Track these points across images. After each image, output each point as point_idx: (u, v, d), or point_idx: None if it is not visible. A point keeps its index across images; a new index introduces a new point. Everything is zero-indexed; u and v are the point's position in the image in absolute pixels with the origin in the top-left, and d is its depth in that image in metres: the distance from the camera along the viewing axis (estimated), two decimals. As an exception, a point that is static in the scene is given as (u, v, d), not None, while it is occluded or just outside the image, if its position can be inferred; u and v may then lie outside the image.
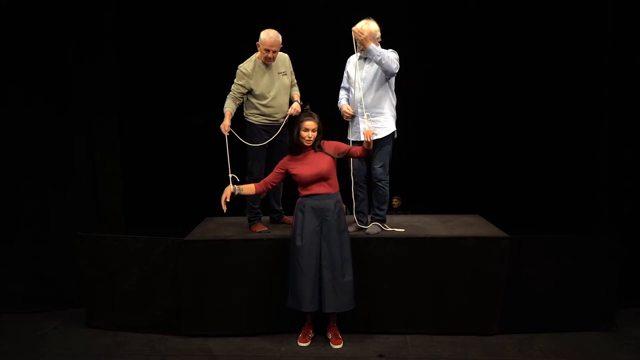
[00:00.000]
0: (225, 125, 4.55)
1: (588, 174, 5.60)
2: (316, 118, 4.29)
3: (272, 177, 4.41)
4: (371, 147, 4.30)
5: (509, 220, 5.33)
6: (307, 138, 4.26)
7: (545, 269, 4.52)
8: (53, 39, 5.13)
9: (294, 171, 4.31)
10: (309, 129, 4.25)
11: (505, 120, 6.72)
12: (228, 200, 4.29)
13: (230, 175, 4.48)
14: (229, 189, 4.33)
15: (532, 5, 6.24)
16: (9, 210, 5.24)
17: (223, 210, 4.27)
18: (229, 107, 4.63)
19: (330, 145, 4.37)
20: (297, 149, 4.32)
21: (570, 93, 6.01)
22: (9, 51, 5.11)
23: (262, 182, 4.45)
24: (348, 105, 4.67)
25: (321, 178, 4.27)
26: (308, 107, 4.37)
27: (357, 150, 4.37)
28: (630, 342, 4.45)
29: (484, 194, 6.76)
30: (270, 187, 4.46)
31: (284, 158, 4.41)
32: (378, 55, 4.41)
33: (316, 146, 4.31)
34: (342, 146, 4.40)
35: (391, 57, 4.47)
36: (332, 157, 4.30)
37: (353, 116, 4.65)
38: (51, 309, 5.18)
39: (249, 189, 4.41)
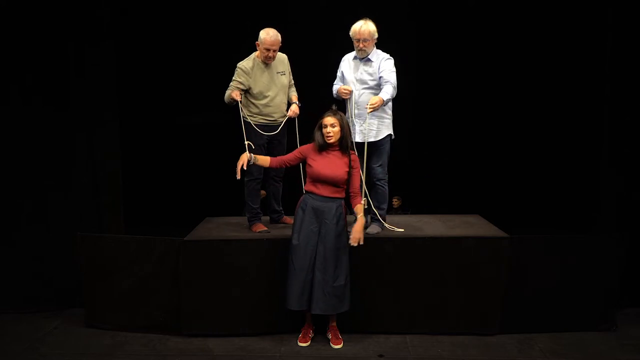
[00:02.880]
0: (237, 93, 4.55)
1: (588, 174, 5.60)
2: (337, 115, 4.23)
3: (290, 157, 4.39)
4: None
5: (509, 220, 5.34)
6: (326, 134, 4.19)
7: (545, 269, 4.52)
8: (53, 39, 5.12)
9: (310, 162, 4.27)
10: (327, 124, 4.19)
11: (505, 121, 6.73)
12: (245, 168, 4.26)
13: (246, 142, 4.47)
14: (245, 156, 4.29)
15: (531, 5, 6.25)
16: (9, 210, 5.23)
17: (237, 177, 4.22)
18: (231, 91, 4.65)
19: (355, 161, 4.28)
20: (322, 147, 4.26)
21: (570, 93, 6.02)
22: (9, 51, 5.11)
23: (279, 158, 4.43)
24: (344, 85, 4.62)
25: (333, 182, 4.24)
26: (335, 107, 4.30)
27: (352, 194, 4.29)
28: (630, 342, 4.46)
29: (484, 194, 6.77)
30: (286, 165, 4.43)
31: (308, 145, 4.36)
32: (391, 96, 4.45)
33: (344, 147, 4.25)
34: (354, 173, 4.27)
35: (391, 86, 4.46)
36: (348, 169, 4.22)
37: (351, 92, 4.58)
38: (51, 309, 5.18)
39: (264, 160, 4.38)
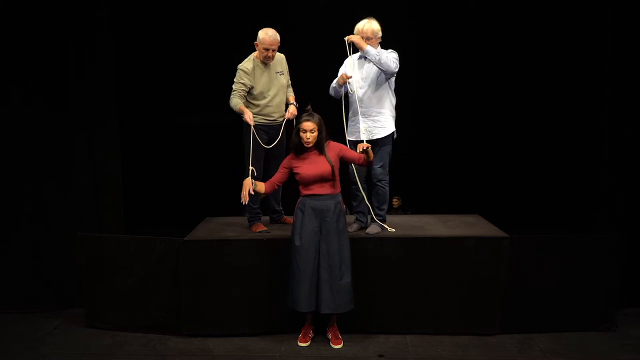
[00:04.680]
0: (250, 116, 4.52)
1: (588, 174, 5.60)
2: (315, 118, 4.24)
3: (278, 176, 4.39)
4: (370, 158, 4.24)
5: (509, 220, 5.34)
6: (305, 139, 4.23)
7: (545, 269, 4.52)
8: (53, 39, 5.13)
9: (297, 170, 4.29)
10: (307, 129, 4.22)
11: (505, 120, 6.73)
12: (252, 192, 4.25)
13: (250, 167, 4.45)
14: (249, 181, 4.29)
15: (531, 5, 6.25)
16: (9, 210, 5.24)
17: (244, 202, 4.23)
18: (240, 103, 4.59)
19: (335, 149, 4.32)
20: (298, 149, 4.30)
21: (570, 93, 6.02)
22: (9, 51, 5.11)
23: (269, 182, 4.42)
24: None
25: (323, 179, 4.26)
26: (309, 107, 4.32)
27: (360, 158, 4.31)
28: (630, 342, 4.46)
29: (484, 194, 6.77)
30: (277, 186, 4.43)
31: (288, 156, 4.39)
32: (377, 55, 4.44)
33: (319, 147, 4.28)
34: (346, 152, 4.36)
35: (390, 57, 4.48)
36: (331, 164, 4.24)
37: (350, 77, 4.54)
38: (51, 309, 5.18)
39: (260, 187, 4.37)
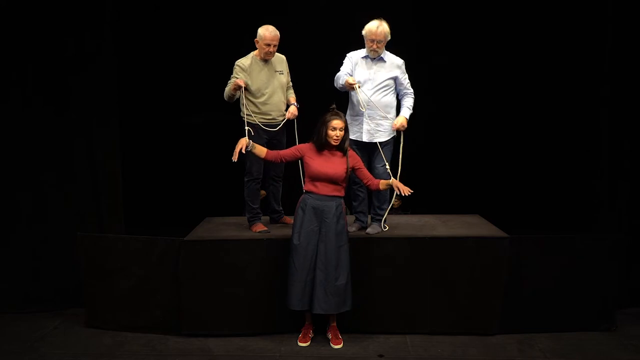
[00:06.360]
0: (239, 79, 4.53)
1: (588, 174, 5.60)
2: (343, 117, 4.28)
3: (287, 153, 4.40)
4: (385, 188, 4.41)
5: (509, 220, 5.33)
6: (334, 137, 4.24)
7: (545, 269, 4.53)
8: (53, 39, 5.12)
9: (308, 161, 4.30)
10: (337, 127, 4.23)
11: (505, 120, 6.71)
12: (243, 151, 4.24)
13: (246, 127, 4.49)
14: (244, 140, 4.28)
15: (531, 6, 6.24)
16: (9, 210, 5.23)
17: (233, 159, 4.20)
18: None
19: (353, 158, 4.36)
20: (323, 146, 4.30)
21: (570, 93, 6.01)
22: (8, 51, 5.11)
23: (275, 151, 4.42)
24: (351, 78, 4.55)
25: (333, 180, 4.27)
26: (334, 106, 4.32)
27: (370, 180, 4.37)
28: (630, 342, 4.46)
29: (484, 194, 6.76)
30: (281, 160, 4.41)
31: (307, 144, 4.39)
32: (411, 112, 4.69)
33: (343, 148, 4.30)
34: (362, 167, 4.39)
35: (412, 100, 4.69)
36: (348, 168, 4.29)
37: (358, 85, 4.53)
38: (51, 309, 5.18)
39: (260, 150, 4.34)
